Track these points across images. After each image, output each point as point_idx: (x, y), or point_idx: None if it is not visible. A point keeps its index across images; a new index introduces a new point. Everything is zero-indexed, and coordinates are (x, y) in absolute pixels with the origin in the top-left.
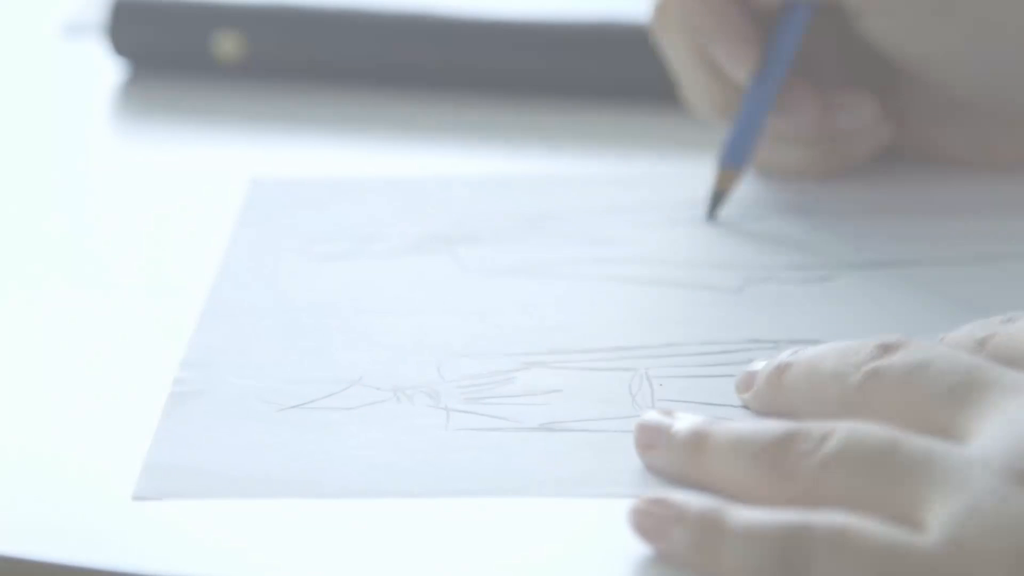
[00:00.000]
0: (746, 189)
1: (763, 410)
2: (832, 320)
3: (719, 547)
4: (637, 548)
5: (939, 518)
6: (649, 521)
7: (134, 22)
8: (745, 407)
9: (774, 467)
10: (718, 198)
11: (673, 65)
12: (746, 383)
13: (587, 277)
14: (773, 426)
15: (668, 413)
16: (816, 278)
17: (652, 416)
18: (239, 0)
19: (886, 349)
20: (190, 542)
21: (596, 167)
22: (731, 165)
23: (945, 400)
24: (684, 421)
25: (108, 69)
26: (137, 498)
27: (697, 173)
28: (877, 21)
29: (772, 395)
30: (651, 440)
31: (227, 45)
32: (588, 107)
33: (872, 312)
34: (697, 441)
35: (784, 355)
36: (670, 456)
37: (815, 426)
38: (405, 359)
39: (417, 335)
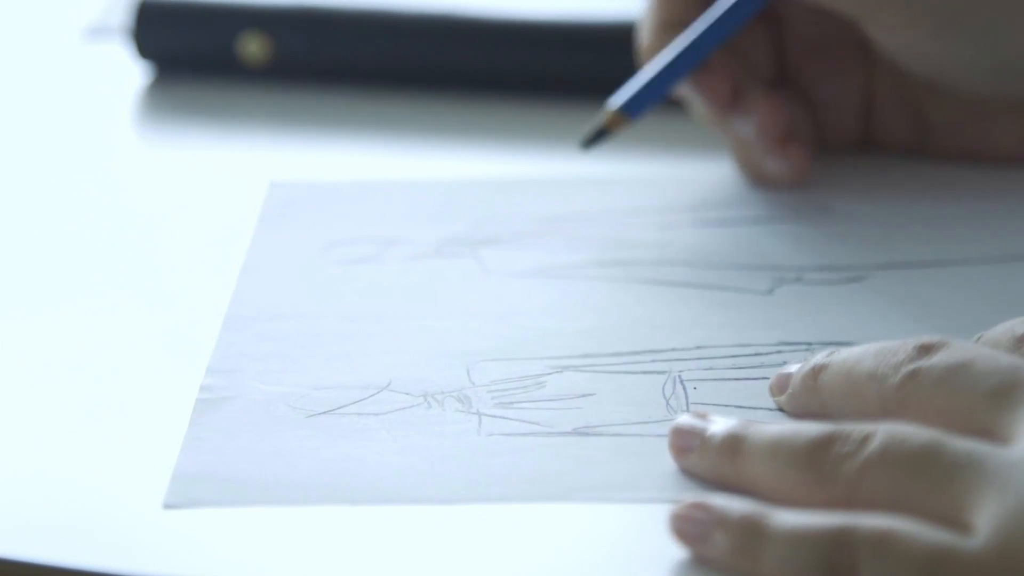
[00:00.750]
0: (770, 191)
1: (798, 412)
2: (864, 321)
3: (761, 551)
4: (674, 553)
5: (986, 520)
6: (690, 525)
7: (158, 24)
8: (780, 409)
9: (812, 469)
10: (599, 135)
11: None
12: (780, 385)
13: (612, 279)
14: (810, 428)
15: (702, 416)
16: (845, 279)
17: (686, 419)
18: (264, 2)
19: (925, 350)
20: (222, 550)
21: (618, 168)
22: (626, 111)
23: (987, 401)
24: (719, 424)
25: (132, 72)
26: (168, 506)
27: (720, 175)
28: (887, 41)
29: (808, 397)
30: (686, 444)
31: (252, 47)
32: None
33: (903, 313)
34: (733, 444)
35: (819, 356)
36: (706, 460)
37: (854, 428)
38: (433, 364)
39: (444, 339)
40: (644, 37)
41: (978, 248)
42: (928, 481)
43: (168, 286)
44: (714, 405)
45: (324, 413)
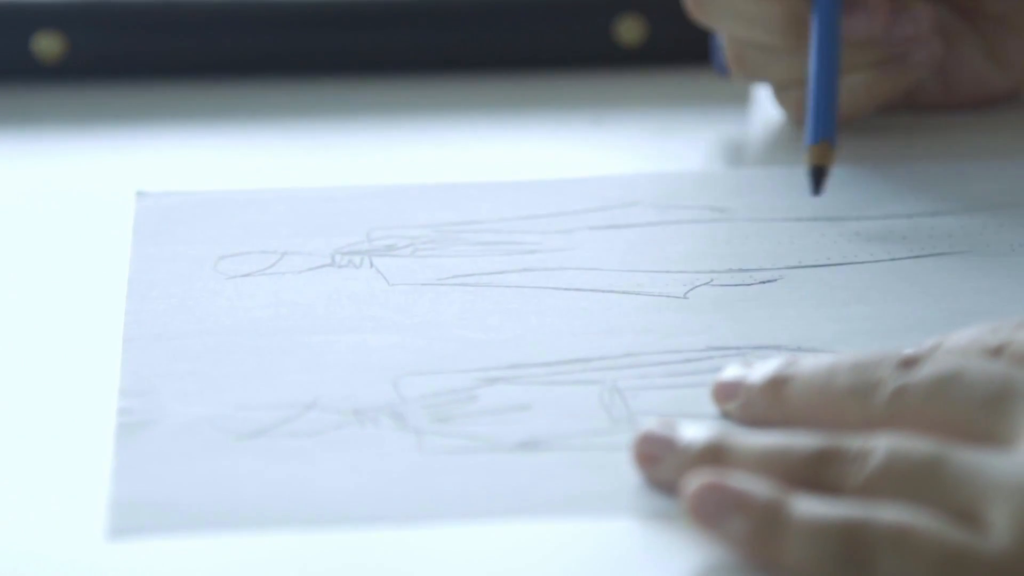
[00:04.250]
0: (665, 190)
1: (752, 422)
2: (790, 323)
3: (780, 538)
4: (640, 568)
5: (1002, 519)
6: (706, 506)
7: None
8: (725, 417)
9: (811, 486)
10: (820, 175)
11: (724, 17)
12: (726, 393)
13: (521, 286)
14: (804, 442)
15: (669, 425)
16: (758, 281)
17: (654, 428)
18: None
19: (908, 364)
20: None
21: (496, 173)
22: (826, 139)
23: (983, 410)
24: (694, 433)
25: None
26: (113, 535)
27: (606, 178)
28: None
29: (767, 408)
30: (655, 452)
31: (46, 44)
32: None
33: (824, 315)
34: (714, 455)
35: (774, 368)
36: (679, 471)
37: (851, 442)
38: (357, 379)
39: (361, 353)
40: (772, 42)
41: (885, 248)
42: (937, 491)
43: (52, 309)
44: (658, 415)
45: (255, 435)
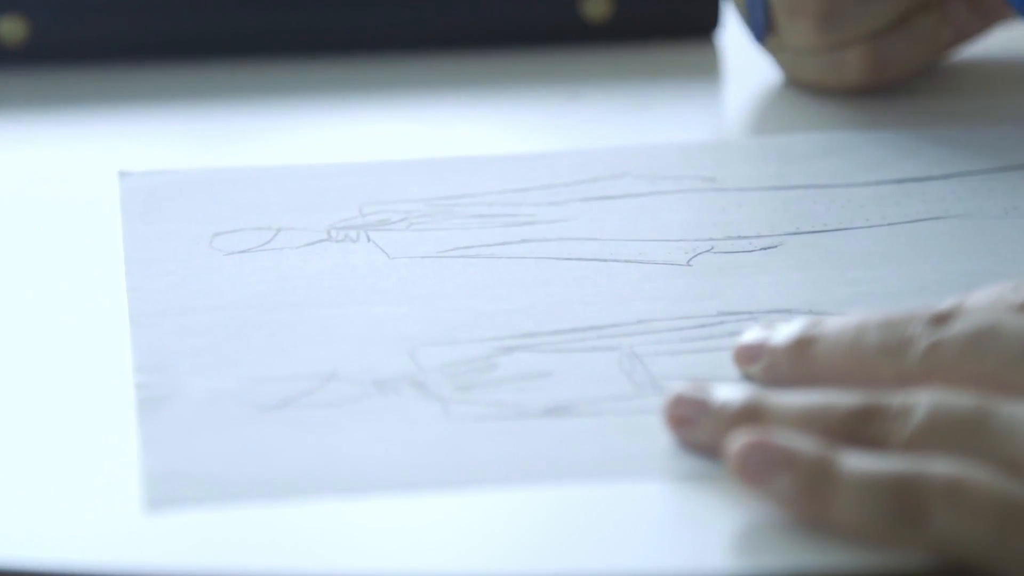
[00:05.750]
0: (653, 161)
1: (776, 384)
2: (800, 287)
3: (830, 495)
4: (674, 531)
5: None
6: (753, 465)
7: None
8: (749, 379)
9: (855, 440)
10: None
11: None
12: (749, 356)
13: (525, 258)
14: (843, 399)
15: (700, 387)
16: (759, 247)
17: (686, 389)
18: None
19: (940, 319)
20: (218, 547)
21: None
22: None
23: (1020, 363)
24: (729, 393)
25: None
26: (151, 508)
27: (594, 151)
28: None
29: (794, 369)
30: (689, 414)
31: (8, 28)
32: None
33: (830, 277)
34: (752, 414)
35: (798, 328)
36: (715, 431)
37: (892, 399)
38: (373, 351)
39: (374, 325)
40: None
41: (891, 213)
42: (984, 444)
43: (51, 292)
44: (680, 379)
45: (279, 407)
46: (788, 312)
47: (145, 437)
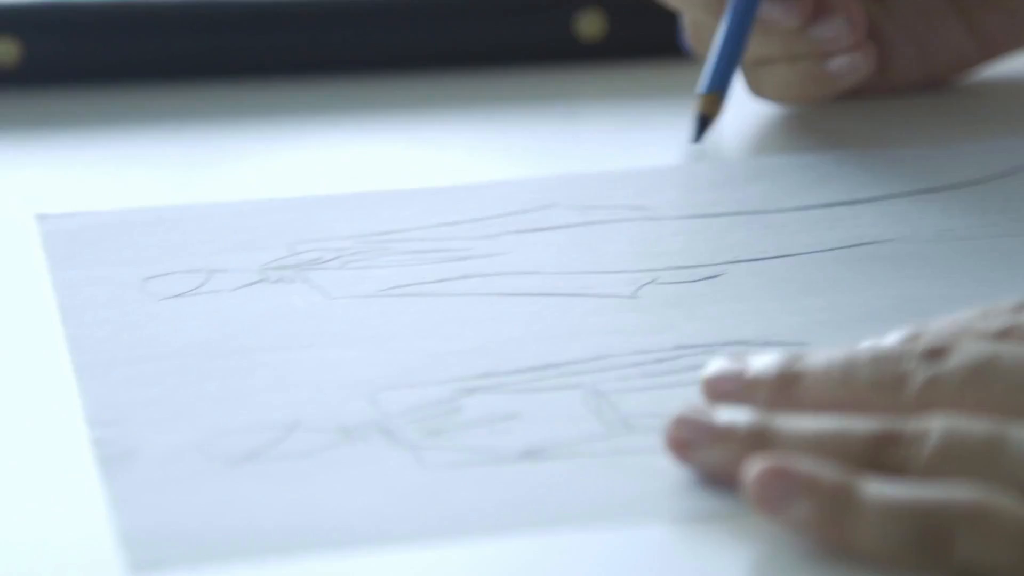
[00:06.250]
0: (579, 191)
1: None
2: (752, 317)
3: (852, 522)
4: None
5: None
6: (772, 493)
7: None
8: None
9: (869, 467)
10: (703, 124)
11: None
12: (720, 391)
13: (468, 294)
14: (858, 426)
15: (701, 410)
16: (702, 276)
17: (689, 412)
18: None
19: (935, 354)
20: None
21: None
22: (716, 89)
23: (1022, 393)
24: (736, 414)
25: None
26: (135, 572)
27: (521, 181)
28: None
29: (776, 405)
30: (694, 437)
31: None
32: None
33: (778, 307)
34: (762, 438)
35: (771, 362)
36: (724, 454)
37: (905, 425)
38: (332, 397)
39: (326, 369)
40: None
41: (826, 238)
42: (1000, 468)
43: None
44: (648, 417)
45: (246, 460)
46: (744, 344)
47: (115, 497)
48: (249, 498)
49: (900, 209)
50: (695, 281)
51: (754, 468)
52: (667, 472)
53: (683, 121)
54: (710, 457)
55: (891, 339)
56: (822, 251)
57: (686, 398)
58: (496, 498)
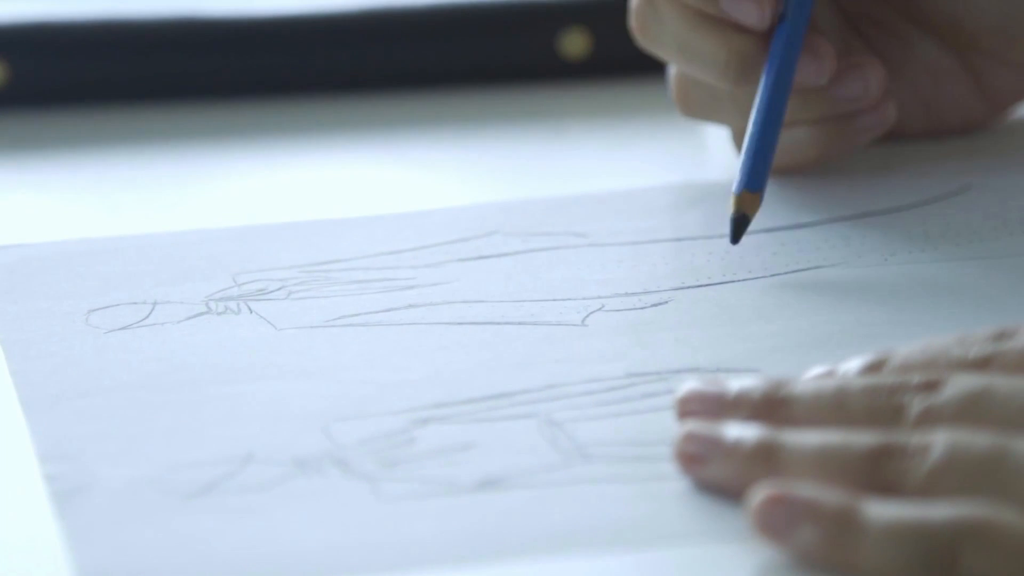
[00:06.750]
0: (519, 218)
1: None
2: (697, 345)
3: (856, 544)
4: None
5: None
6: (775, 520)
7: None
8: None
9: (872, 480)
10: (741, 223)
11: (667, 47)
12: (689, 411)
13: (415, 323)
14: (861, 439)
15: (710, 424)
16: (650, 303)
17: (698, 426)
18: None
19: (929, 387)
20: None
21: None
22: (753, 189)
23: (1020, 419)
24: (742, 429)
25: None
26: None
27: (462, 208)
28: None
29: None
30: (702, 452)
31: None
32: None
33: (725, 332)
34: (767, 451)
35: (754, 387)
36: (729, 468)
37: (908, 438)
38: (284, 429)
39: (277, 401)
40: (718, 84)
41: (760, 264)
42: (1002, 481)
43: None
44: (606, 446)
45: (202, 494)
46: (696, 370)
47: (70, 533)
48: (205, 532)
49: (841, 234)
50: (643, 308)
51: (756, 497)
52: (626, 500)
53: (667, 140)
54: (718, 471)
55: (854, 364)
56: (767, 276)
57: (640, 426)
58: (455, 529)
